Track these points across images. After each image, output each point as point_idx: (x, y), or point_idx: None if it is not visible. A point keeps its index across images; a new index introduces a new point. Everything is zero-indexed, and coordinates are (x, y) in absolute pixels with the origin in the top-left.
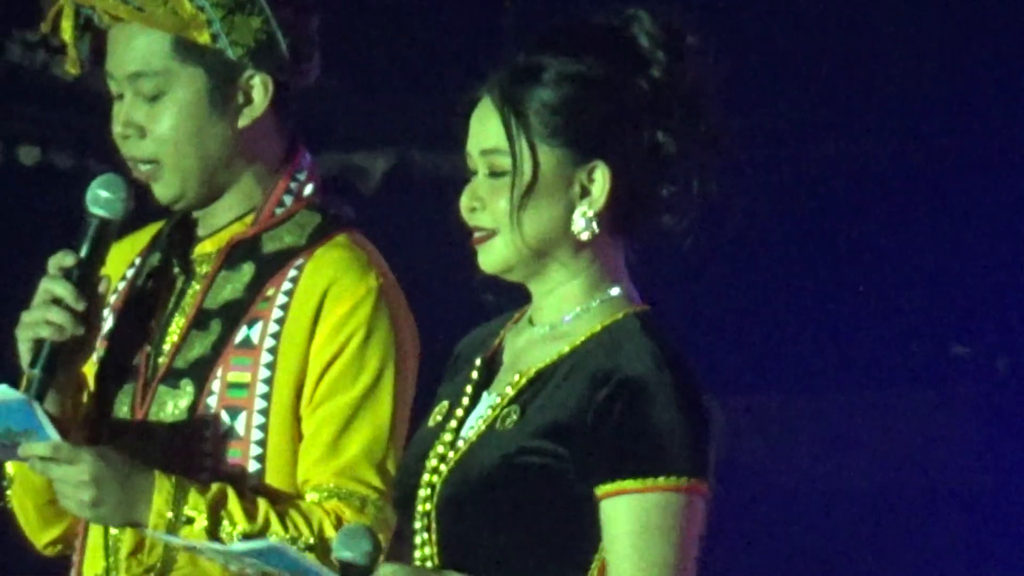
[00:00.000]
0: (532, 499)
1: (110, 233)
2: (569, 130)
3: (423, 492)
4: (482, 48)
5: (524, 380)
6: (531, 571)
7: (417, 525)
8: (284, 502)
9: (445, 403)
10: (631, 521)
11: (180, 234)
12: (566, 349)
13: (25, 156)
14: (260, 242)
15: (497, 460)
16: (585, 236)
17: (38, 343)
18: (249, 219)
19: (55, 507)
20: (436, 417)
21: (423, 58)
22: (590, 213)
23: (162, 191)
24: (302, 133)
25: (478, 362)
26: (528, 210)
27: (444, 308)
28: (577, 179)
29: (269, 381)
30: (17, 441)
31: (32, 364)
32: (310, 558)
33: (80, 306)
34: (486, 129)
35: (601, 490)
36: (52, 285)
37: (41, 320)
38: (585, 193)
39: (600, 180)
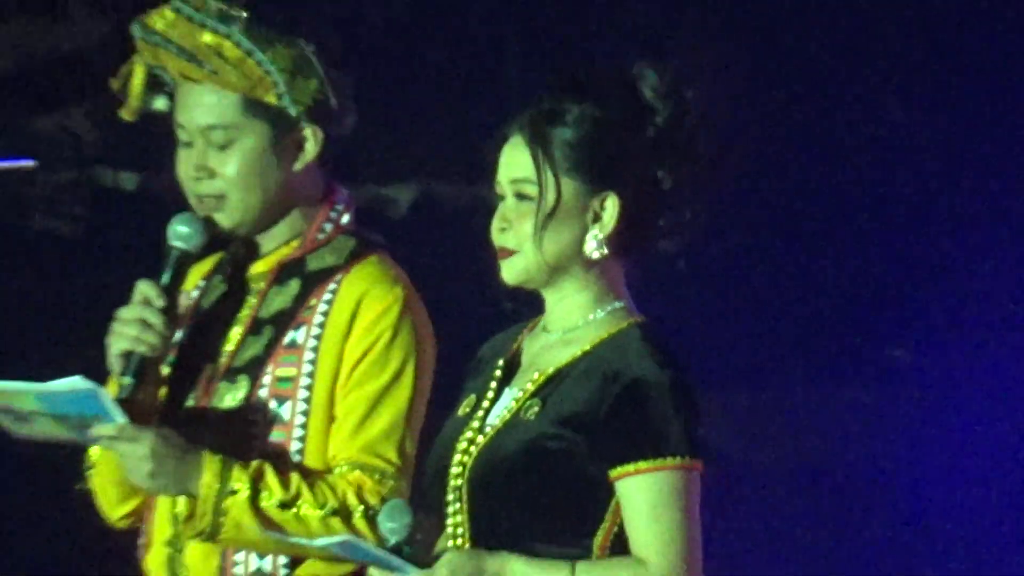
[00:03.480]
0: (550, 477)
1: (188, 262)
2: (586, 164)
3: (455, 470)
4: (488, 97)
5: (543, 378)
6: (547, 536)
7: (450, 497)
8: (314, 475)
9: (472, 396)
10: (646, 495)
11: (238, 258)
12: (579, 352)
13: None
14: (305, 262)
15: (521, 444)
16: (596, 255)
17: (127, 355)
18: (295, 243)
19: (130, 485)
20: (464, 409)
21: (444, 104)
22: (600, 236)
23: (225, 219)
24: (341, 167)
25: (500, 362)
26: (549, 231)
27: (460, 318)
28: (591, 206)
29: (311, 375)
30: (89, 424)
31: (123, 373)
32: (378, 548)
33: (168, 332)
34: (516, 161)
35: (617, 471)
36: (144, 313)
37: (134, 337)
38: (597, 219)
39: (611, 208)
